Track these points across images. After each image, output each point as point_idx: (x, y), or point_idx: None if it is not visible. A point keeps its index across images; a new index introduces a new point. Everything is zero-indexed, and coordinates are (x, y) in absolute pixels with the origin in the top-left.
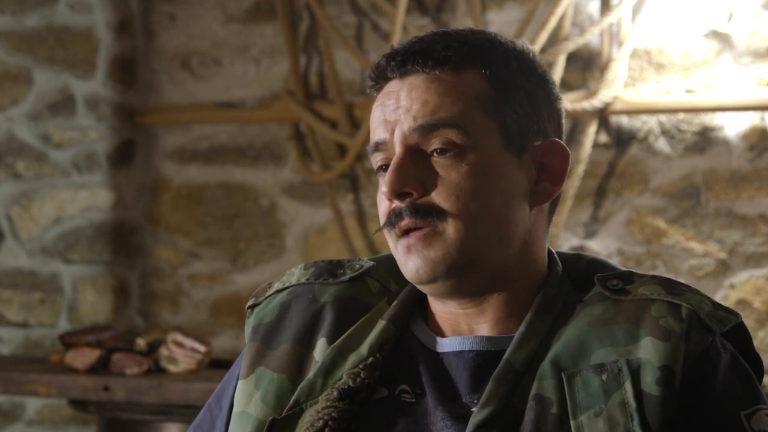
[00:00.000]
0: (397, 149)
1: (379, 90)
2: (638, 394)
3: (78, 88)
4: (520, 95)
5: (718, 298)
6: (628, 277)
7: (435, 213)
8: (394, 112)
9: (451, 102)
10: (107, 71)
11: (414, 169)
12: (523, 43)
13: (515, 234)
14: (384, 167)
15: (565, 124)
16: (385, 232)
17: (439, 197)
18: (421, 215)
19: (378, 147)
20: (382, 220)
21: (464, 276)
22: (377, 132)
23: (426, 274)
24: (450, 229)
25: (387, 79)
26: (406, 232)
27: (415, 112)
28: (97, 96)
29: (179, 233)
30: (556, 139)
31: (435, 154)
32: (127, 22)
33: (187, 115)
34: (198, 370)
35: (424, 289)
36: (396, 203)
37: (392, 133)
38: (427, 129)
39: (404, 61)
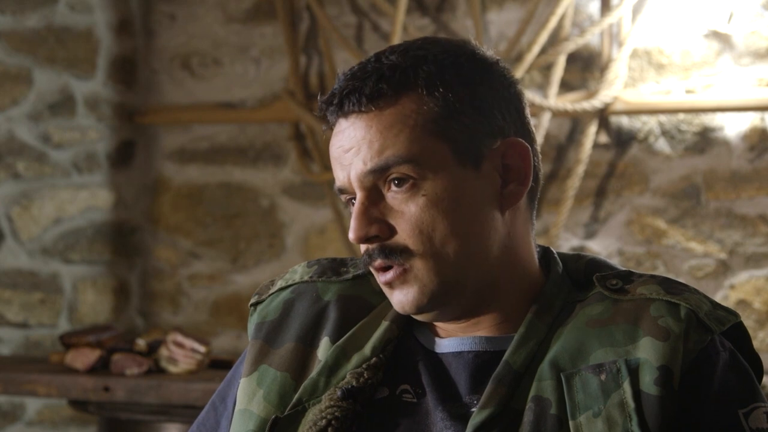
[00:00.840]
0: (357, 194)
1: (330, 128)
2: (637, 394)
3: (78, 88)
4: (464, 105)
5: (718, 298)
6: (627, 276)
7: (402, 252)
8: (346, 155)
9: (394, 136)
10: (107, 71)
11: (376, 212)
12: (459, 42)
13: (490, 246)
14: (352, 201)
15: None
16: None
17: (404, 235)
18: (390, 256)
19: (341, 191)
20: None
21: (449, 302)
22: (337, 175)
23: (411, 307)
24: (418, 265)
25: (332, 122)
26: (383, 269)
27: (364, 156)
28: (97, 96)
29: (179, 233)
30: (513, 138)
31: (392, 188)
32: (127, 22)
33: (187, 115)
34: (198, 370)
35: (415, 317)
36: (366, 246)
37: (348, 177)
38: (378, 172)
39: (341, 103)
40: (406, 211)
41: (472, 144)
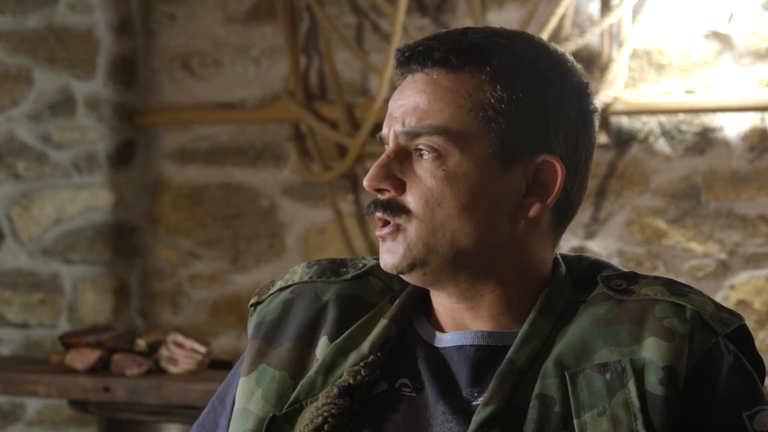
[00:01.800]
0: (390, 145)
1: (399, 75)
2: (642, 393)
3: (78, 89)
4: (522, 109)
5: (718, 298)
6: (632, 277)
7: (402, 211)
8: (396, 109)
9: (440, 109)
10: (107, 71)
11: (397, 169)
12: (557, 54)
13: (487, 242)
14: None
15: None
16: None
17: (410, 198)
18: (390, 212)
19: (382, 139)
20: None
21: (432, 275)
22: (384, 124)
23: (392, 267)
24: (411, 228)
25: (402, 73)
26: (382, 223)
27: (406, 116)
28: (97, 96)
29: (179, 233)
30: (556, 157)
31: (418, 155)
32: (127, 22)
33: (187, 116)
34: (198, 370)
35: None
36: (376, 196)
37: (390, 130)
38: (411, 135)
39: (408, 59)
40: (423, 178)
41: (511, 144)
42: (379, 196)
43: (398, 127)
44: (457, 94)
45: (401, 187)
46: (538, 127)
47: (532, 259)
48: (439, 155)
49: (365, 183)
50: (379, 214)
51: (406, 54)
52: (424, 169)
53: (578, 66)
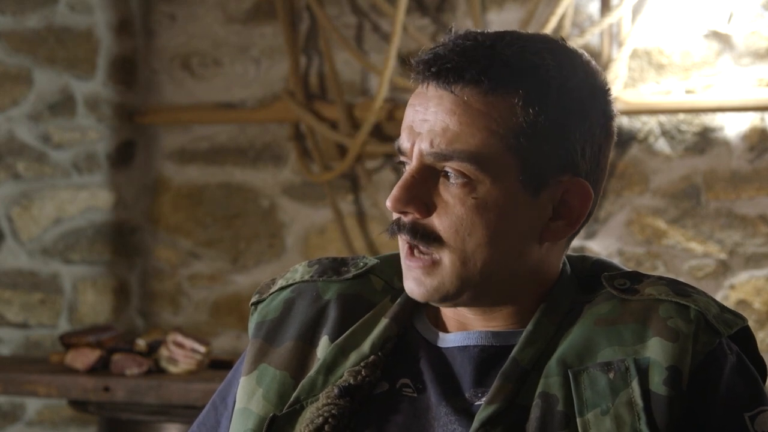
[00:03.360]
0: (414, 163)
1: (416, 84)
2: (646, 393)
3: (78, 89)
4: (552, 128)
5: (718, 298)
6: (636, 277)
7: (433, 239)
8: (420, 124)
9: (471, 134)
10: (107, 71)
11: (422, 189)
12: (580, 59)
13: (515, 268)
14: (404, 164)
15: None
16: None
17: (440, 224)
18: (420, 238)
19: (401, 151)
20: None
21: (459, 302)
22: (403, 135)
23: (420, 296)
24: (446, 260)
25: (422, 81)
26: (410, 250)
27: (435, 136)
28: (97, 96)
29: (179, 233)
30: (582, 180)
31: (449, 178)
32: (127, 22)
33: (187, 116)
34: (198, 370)
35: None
36: (399, 216)
37: (413, 144)
38: (441, 157)
39: (438, 73)
40: (452, 204)
41: (541, 170)
42: (401, 217)
43: (425, 147)
44: (489, 118)
45: (426, 210)
46: (565, 148)
47: (547, 271)
48: (469, 181)
49: (389, 204)
50: (408, 239)
51: (433, 69)
52: (453, 195)
53: (599, 69)
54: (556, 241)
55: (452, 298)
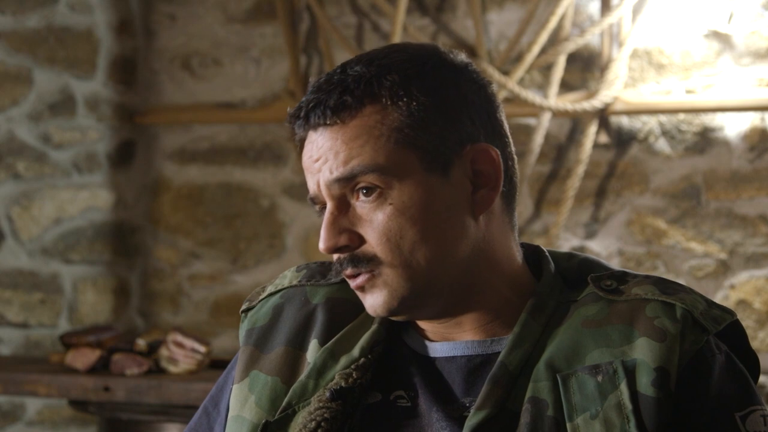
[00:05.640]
0: (328, 203)
1: (300, 140)
2: (634, 395)
3: (78, 89)
4: (430, 112)
5: (718, 298)
6: (622, 277)
7: (371, 260)
8: (315, 164)
9: (360, 146)
10: (107, 71)
11: (345, 222)
12: (427, 48)
13: (462, 251)
14: (323, 210)
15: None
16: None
17: (373, 243)
18: (363, 264)
19: (314, 200)
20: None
21: (421, 305)
22: (308, 183)
23: (382, 310)
24: (387, 272)
25: (303, 132)
26: (354, 276)
27: (330, 165)
28: (98, 96)
29: (179, 233)
30: (482, 143)
31: (360, 198)
32: (127, 22)
33: (187, 115)
34: (198, 370)
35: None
36: (337, 255)
37: (317, 184)
38: (344, 181)
39: (307, 116)
40: (374, 219)
41: (440, 151)
42: (339, 256)
43: (326, 178)
44: (369, 128)
45: (357, 238)
46: (453, 122)
47: (498, 253)
48: (380, 191)
49: (322, 248)
50: (349, 271)
51: (301, 115)
52: (371, 210)
53: (455, 51)
54: (488, 209)
55: (412, 303)
